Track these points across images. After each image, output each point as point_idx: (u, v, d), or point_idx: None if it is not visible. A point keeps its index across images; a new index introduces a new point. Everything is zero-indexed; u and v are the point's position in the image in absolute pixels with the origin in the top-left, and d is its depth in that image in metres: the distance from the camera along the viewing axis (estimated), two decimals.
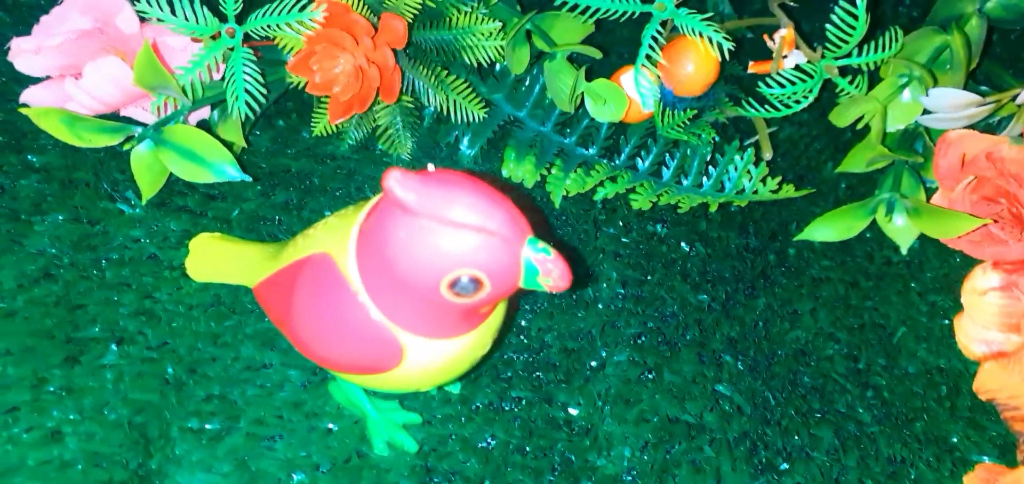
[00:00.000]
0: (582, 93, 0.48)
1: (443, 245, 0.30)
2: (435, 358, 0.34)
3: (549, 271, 0.31)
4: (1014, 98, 0.48)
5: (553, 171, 0.49)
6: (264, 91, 0.44)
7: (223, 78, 0.46)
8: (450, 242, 0.30)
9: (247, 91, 0.43)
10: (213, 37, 0.44)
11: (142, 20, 0.46)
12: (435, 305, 0.32)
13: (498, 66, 0.51)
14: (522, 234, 0.31)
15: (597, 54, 0.47)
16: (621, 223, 0.49)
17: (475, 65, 0.48)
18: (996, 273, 0.34)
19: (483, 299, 0.32)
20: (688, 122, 0.48)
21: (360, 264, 0.33)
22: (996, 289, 0.34)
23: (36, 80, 0.47)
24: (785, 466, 0.42)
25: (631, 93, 0.48)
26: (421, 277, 0.31)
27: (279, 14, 0.42)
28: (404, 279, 0.31)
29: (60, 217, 0.44)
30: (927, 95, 0.48)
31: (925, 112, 0.50)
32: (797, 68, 0.47)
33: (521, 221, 0.31)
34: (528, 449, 0.41)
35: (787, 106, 0.48)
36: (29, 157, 0.46)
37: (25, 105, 0.45)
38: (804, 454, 0.42)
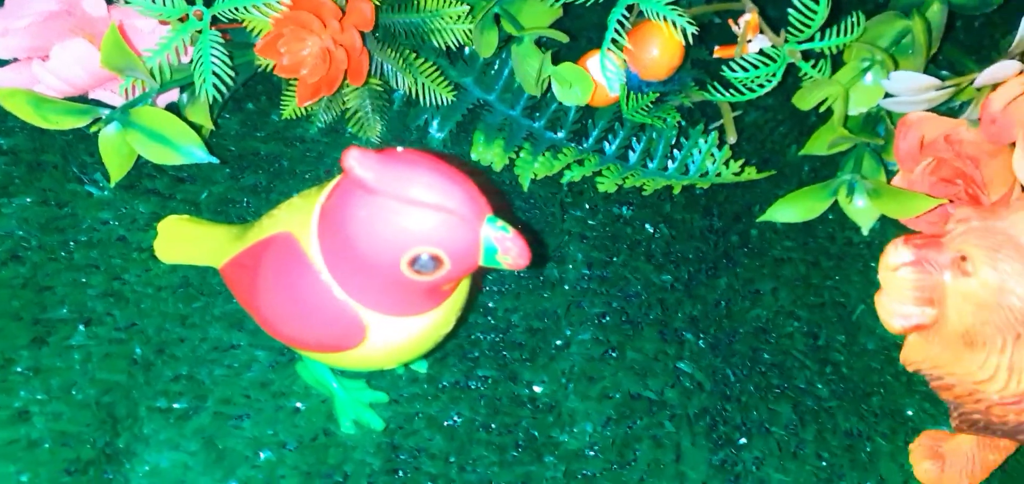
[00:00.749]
0: (549, 77, 0.48)
1: (402, 223, 0.31)
2: (398, 336, 0.35)
3: (508, 249, 0.32)
4: (973, 83, 0.49)
5: (522, 154, 0.49)
6: (232, 73, 0.44)
7: (191, 61, 0.46)
8: (409, 220, 0.31)
9: (215, 73, 0.43)
10: (181, 19, 0.44)
11: (109, 3, 0.46)
12: (396, 283, 0.33)
13: (467, 50, 0.51)
14: (481, 212, 0.32)
15: (564, 38, 0.48)
16: (587, 206, 0.49)
17: (444, 49, 0.48)
18: (907, 248, 0.35)
19: (443, 277, 0.32)
20: (653, 105, 0.49)
21: (322, 243, 0.33)
22: (908, 265, 0.35)
23: (3, 63, 0.47)
24: (744, 441, 0.43)
25: (598, 77, 0.48)
26: (381, 255, 0.31)
27: None
28: (365, 257, 0.32)
29: (27, 199, 0.44)
30: (889, 79, 0.49)
31: (887, 96, 0.51)
32: (761, 52, 0.48)
33: (480, 199, 0.32)
34: (493, 426, 0.42)
35: (751, 90, 0.49)
36: None
37: None
38: (763, 428, 0.43)
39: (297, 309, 0.34)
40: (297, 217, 0.35)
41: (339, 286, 0.33)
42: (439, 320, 0.35)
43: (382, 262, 0.32)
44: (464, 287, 0.37)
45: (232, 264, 0.38)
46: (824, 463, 0.43)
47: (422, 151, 0.32)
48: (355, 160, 0.30)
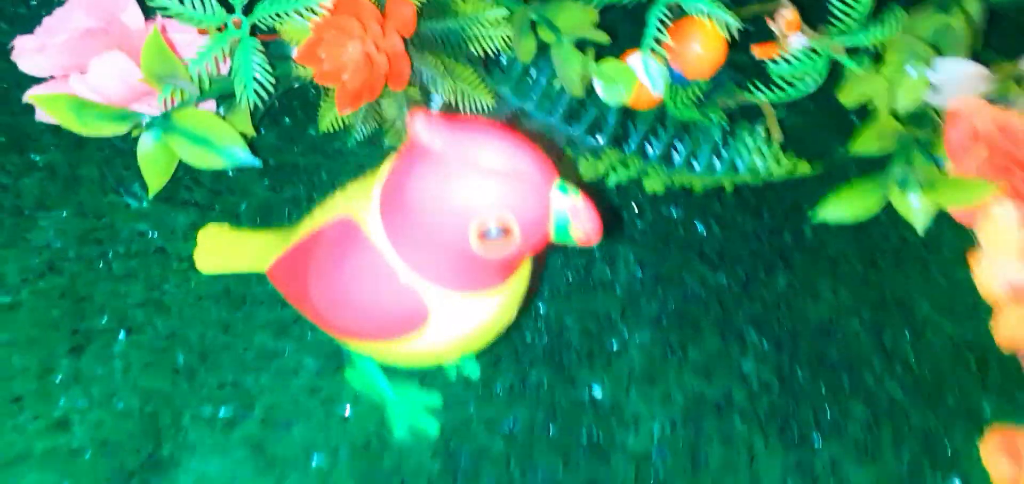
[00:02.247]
0: (591, 77, 0.47)
1: (471, 190, 0.29)
2: (460, 319, 0.33)
3: (580, 219, 0.30)
4: (1017, 77, 0.48)
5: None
6: (273, 80, 0.44)
7: (230, 72, 0.45)
8: (478, 187, 0.29)
9: (256, 79, 0.42)
10: (219, 29, 0.43)
11: (147, 17, 0.45)
12: (463, 258, 0.31)
13: (503, 59, 0.51)
14: (550, 177, 0.30)
15: (606, 39, 0.47)
16: (635, 208, 0.48)
17: (481, 58, 0.47)
18: (1012, 204, 0.33)
19: (512, 250, 0.31)
20: (700, 98, 0.47)
21: (385, 220, 0.32)
22: (1014, 220, 0.33)
23: (40, 81, 0.46)
24: (819, 441, 0.41)
25: (639, 77, 0.48)
26: (449, 225, 0.30)
27: (287, 1, 0.41)
28: (431, 230, 0.30)
29: (64, 213, 0.43)
30: (934, 68, 0.48)
31: (932, 89, 0.50)
32: (805, 50, 0.47)
33: (549, 165, 0.30)
34: (553, 430, 0.39)
35: (793, 86, 0.48)
36: (32, 156, 0.45)
37: (30, 103, 0.44)
38: (837, 428, 0.41)
39: (357, 294, 0.33)
40: (355, 201, 0.33)
41: (403, 264, 0.32)
42: (504, 304, 0.34)
43: (450, 233, 0.30)
44: (526, 273, 0.35)
45: (282, 262, 0.37)
46: (904, 463, 0.41)
47: (485, 118, 0.31)
48: (423, 126, 0.29)
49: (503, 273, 0.33)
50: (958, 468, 0.41)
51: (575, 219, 0.30)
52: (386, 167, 0.33)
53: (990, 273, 0.34)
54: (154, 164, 0.44)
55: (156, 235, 0.43)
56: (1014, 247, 0.33)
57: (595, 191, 0.46)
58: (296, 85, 0.48)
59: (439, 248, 0.31)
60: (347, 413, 0.38)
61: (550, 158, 0.31)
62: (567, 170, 0.34)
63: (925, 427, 0.42)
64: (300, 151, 0.48)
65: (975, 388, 0.43)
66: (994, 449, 0.41)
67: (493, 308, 0.33)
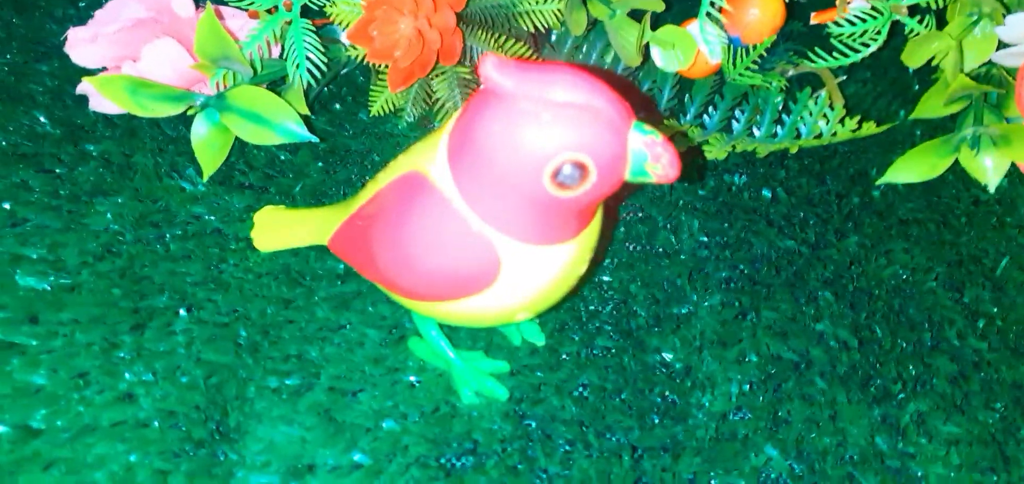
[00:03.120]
0: (647, 46, 0.46)
1: (545, 128, 0.28)
2: (534, 270, 0.32)
3: (658, 156, 0.29)
4: None
5: None
6: (325, 60, 0.43)
7: (282, 54, 0.45)
8: (552, 124, 0.28)
9: (309, 59, 0.42)
10: (270, 11, 0.43)
11: (197, 5, 0.45)
12: (537, 202, 0.30)
13: (554, 35, 0.50)
14: (628, 115, 0.29)
15: (659, 6, 0.46)
16: (697, 176, 0.47)
17: (531, 34, 0.47)
18: None
19: (588, 192, 0.30)
20: (759, 61, 0.46)
21: (454, 169, 0.31)
22: None
23: (93, 72, 0.46)
24: (903, 395, 0.39)
25: (698, 43, 0.47)
26: (522, 167, 0.29)
27: None
28: (503, 174, 0.29)
29: (120, 198, 0.43)
30: (1004, 24, 0.47)
31: (1000, 47, 0.48)
32: (866, 10, 0.46)
33: (625, 102, 0.29)
34: (625, 394, 0.38)
35: (855, 50, 0.46)
36: (87, 147, 0.45)
37: (83, 93, 0.44)
38: (922, 383, 0.39)
39: (426, 248, 0.32)
40: (421, 156, 0.33)
41: (474, 213, 0.31)
42: (574, 255, 0.32)
43: (523, 175, 0.29)
44: (596, 224, 0.34)
45: (344, 228, 0.36)
46: (995, 414, 0.39)
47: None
48: (493, 65, 0.28)
49: (577, 223, 0.31)
50: None
51: (653, 157, 0.29)
52: (453, 118, 0.32)
53: None
54: (208, 147, 0.43)
55: (213, 217, 0.43)
56: None
57: (683, 146, 0.45)
58: (346, 69, 0.48)
59: (512, 194, 0.30)
60: (413, 382, 0.37)
61: (628, 100, 0.30)
62: (646, 108, 0.32)
63: (1015, 380, 0.40)
64: (351, 134, 0.48)
65: None
66: None
67: (564, 261, 0.32)
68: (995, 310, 0.42)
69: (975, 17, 0.48)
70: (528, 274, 0.32)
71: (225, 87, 0.44)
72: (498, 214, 0.31)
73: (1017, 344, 0.41)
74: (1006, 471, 0.37)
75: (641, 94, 0.47)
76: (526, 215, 0.30)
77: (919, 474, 0.36)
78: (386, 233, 0.33)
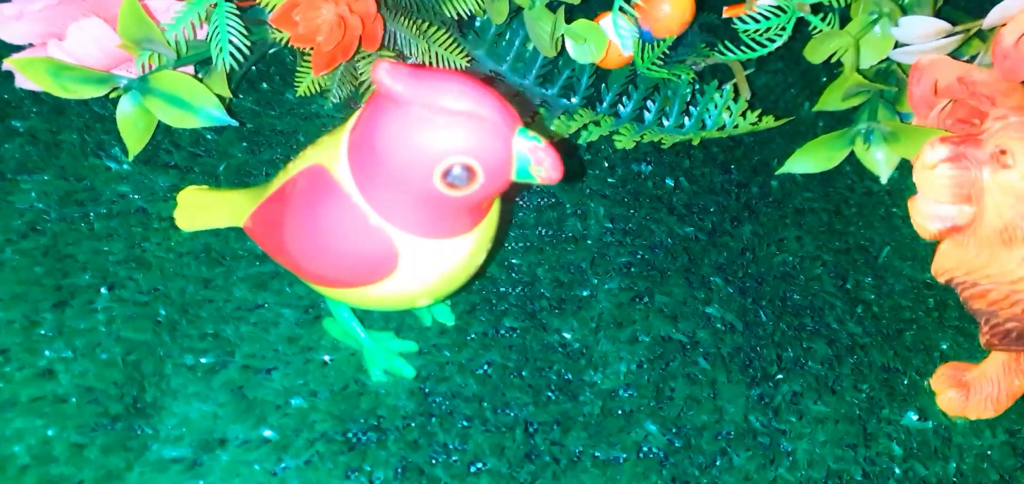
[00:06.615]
0: (562, 37, 0.48)
1: (434, 133, 0.31)
2: (430, 263, 0.34)
3: (541, 160, 0.32)
4: (981, 30, 0.49)
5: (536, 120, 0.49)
6: (248, 43, 0.45)
7: (207, 37, 0.46)
8: (441, 130, 0.31)
9: (232, 42, 0.43)
10: None
11: None
12: (430, 200, 0.32)
13: (478, 21, 0.52)
14: (513, 122, 0.31)
15: (576, 0, 0.48)
16: (606, 164, 0.49)
17: (455, 20, 0.48)
18: (944, 145, 0.35)
19: (477, 192, 0.32)
20: (668, 54, 0.49)
21: (353, 166, 0.33)
22: (945, 160, 0.35)
23: (18, 49, 0.47)
24: (780, 376, 0.42)
25: (611, 37, 0.49)
26: (414, 168, 0.31)
27: None
28: (398, 173, 0.32)
29: (46, 176, 0.44)
30: (899, 25, 0.50)
31: (897, 46, 0.51)
32: (771, 8, 0.48)
33: (511, 110, 0.32)
34: (525, 372, 0.41)
35: (762, 44, 0.49)
36: (13, 123, 0.46)
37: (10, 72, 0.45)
38: (798, 365, 0.43)
39: (329, 238, 0.34)
40: (325, 150, 0.35)
41: (372, 209, 0.33)
42: (471, 247, 0.35)
43: (415, 176, 0.31)
44: (494, 217, 0.36)
45: (257, 213, 0.38)
46: (862, 395, 0.42)
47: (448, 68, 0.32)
48: (385, 72, 0.30)
49: (471, 218, 0.34)
50: (915, 402, 0.42)
51: (536, 161, 0.31)
52: (354, 117, 0.34)
53: (924, 214, 0.35)
54: (133, 127, 0.45)
55: (137, 196, 0.44)
56: (945, 188, 0.35)
57: (566, 149, 0.47)
58: (272, 50, 0.49)
59: (406, 192, 0.32)
60: (327, 360, 0.40)
61: (514, 108, 0.32)
62: (534, 123, 0.35)
63: (884, 363, 0.43)
64: (277, 115, 0.49)
65: (933, 327, 0.45)
66: (942, 381, 0.42)
67: (462, 252, 0.35)
68: (873, 297, 0.46)
69: (875, 16, 0.51)
70: (426, 265, 0.34)
71: (150, 68, 0.45)
72: (394, 210, 0.33)
73: (889, 329, 0.45)
74: (865, 446, 0.40)
75: (532, 109, 0.49)
76: (420, 211, 0.33)
77: (788, 449, 0.40)
78: (293, 222, 0.35)
